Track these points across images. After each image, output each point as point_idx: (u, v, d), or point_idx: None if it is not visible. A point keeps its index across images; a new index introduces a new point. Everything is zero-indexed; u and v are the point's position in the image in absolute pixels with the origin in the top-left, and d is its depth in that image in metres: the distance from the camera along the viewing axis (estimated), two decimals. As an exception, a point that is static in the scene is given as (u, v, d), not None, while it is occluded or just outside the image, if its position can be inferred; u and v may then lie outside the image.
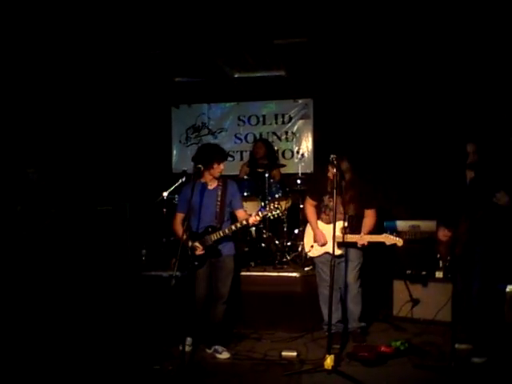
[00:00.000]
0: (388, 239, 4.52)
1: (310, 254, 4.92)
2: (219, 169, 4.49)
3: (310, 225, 4.92)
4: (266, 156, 6.62)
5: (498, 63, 5.88)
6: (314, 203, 4.90)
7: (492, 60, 5.91)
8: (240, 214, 4.60)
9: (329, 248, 4.59)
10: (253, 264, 5.75)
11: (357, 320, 4.82)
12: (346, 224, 4.60)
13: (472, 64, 6.13)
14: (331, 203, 4.69)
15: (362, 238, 4.57)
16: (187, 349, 4.37)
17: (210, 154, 4.49)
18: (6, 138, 6.34)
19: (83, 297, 5.48)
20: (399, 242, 4.51)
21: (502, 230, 4.23)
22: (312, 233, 4.88)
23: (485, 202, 4.13)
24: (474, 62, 6.08)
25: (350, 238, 4.58)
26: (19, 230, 5.33)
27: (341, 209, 4.64)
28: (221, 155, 4.52)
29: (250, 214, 4.63)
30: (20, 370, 4.09)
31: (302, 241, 6.11)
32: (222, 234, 4.40)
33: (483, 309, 4.26)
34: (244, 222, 4.36)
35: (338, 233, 4.51)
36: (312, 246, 4.85)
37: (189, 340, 4.50)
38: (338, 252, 4.53)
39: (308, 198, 4.99)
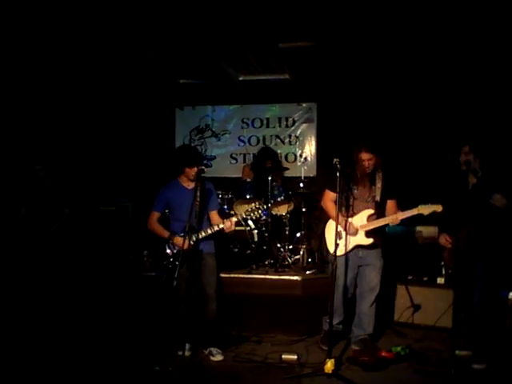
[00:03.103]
0: (425, 209, 4.31)
1: (338, 254, 4.38)
2: (193, 171, 4.46)
3: (333, 218, 4.56)
4: (272, 166, 6.60)
5: (504, 68, 5.88)
6: (335, 196, 4.53)
7: (497, 65, 5.91)
8: (213, 215, 4.63)
9: (359, 240, 4.56)
10: (254, 267, 5.75)
11: (372, 326, 4.70)
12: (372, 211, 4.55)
13: (475, 71, 6.14)
14: (356, 192, 4.63)
15: (395, 218, 4.43)
16: (186, 353, 4.36)
17: (180, 160, 4.53)
18: (14, 137, 6.39)
19: (85, 297, 5.48)
20: (438, 207, 4.26)
21: (503, 236, 4.23)
22: (334, 231, 4.46)
23: (483, 206, 4.13)
24: (478, 69, 6.09)
25: (382, 221, 4.47)
26: (25, 230, 5.33)
27: (366, 196, 4.62)
28: (190, 160, 4.49)
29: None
30: (21, 371, 4.09)
31: (304, 244, 6.17)
32: (203, 234, 4.43)
33: (484, 315, 4.26)
34: (221, 226, 4.40)
35: (365, 221, 4.55)
36: (337, 245, 4.39)
37: (187, 345, 4.45)
38: (367, 241, 4.53)
39: (328, 191, 4.72)
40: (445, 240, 4.44)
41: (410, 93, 6.83)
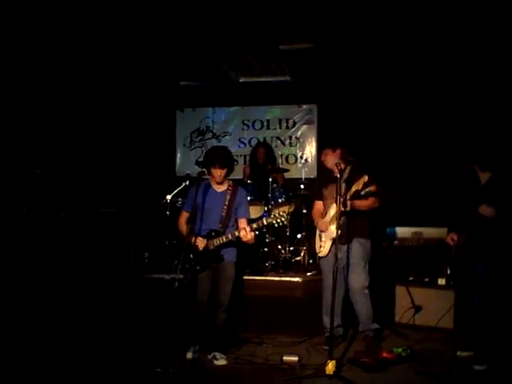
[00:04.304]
0: (355, 186, 4.41)
1: (321, 254, 4.80)
2: (216, 173, 4.36)
3: (316, 222, 4.87)
4: (267, 160, 6.62)
5: (505, 70, 5.89)
6: (321, 204, 4.87)
7: (498, 66, 5.92)
8: (242, 223, 4.47)
9: (331, 233, 4.60)
10: (255, 268, 5.73)
11: (369, 322, 4.74)
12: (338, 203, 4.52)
13: (477, 73, 6.15)
14: (326, 192, 4.75)
15: (342, 202, 4.42)
16: (191, 356, 4.33)
17: (206, 159, 4.42)
18: (13, 140, 6.40)
19: (85, 299, 5.48)
20: (363, 178, 4.37)
21: (503, 238, 4.22)
22: (317, 234, 4.87)
23: (474, 213, 4.14)
24: (480, 71, 6.10)
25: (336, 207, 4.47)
26: (25, 232, 5.33)
27: (334, 194, 4.56)
28: (213, 160, 4.33)
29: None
30: (23, 375, 4.07)
31: (305, 246, 6.19)
32: (224, 240, 4.30)
33: (485, 316, 4.25)
34: (236, 234, 4.25)
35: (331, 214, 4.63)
36: (321, 246, 4.79)
37: (195, 347, 4.40)
38: (334, 233, 4.41)
39: (315, 201, 4.99)
40: (450, 239, 4.44)
41: (411, 93, 6.83)
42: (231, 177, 4.63)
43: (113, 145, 7.56)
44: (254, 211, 6.17)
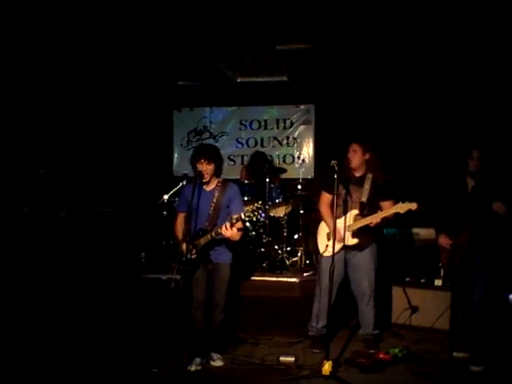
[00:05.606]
0: (401, 208, 4.33)
1: (326, 254, 4.61)
2: (202, 168, 4.21)
3: (326, 221, 4.74)
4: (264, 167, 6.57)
5: (501, 71, 5.90)
6: (330, 198, 4.63)
7: (494, 68, 5.93)
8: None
9: (345, 240, 4.58)
10: (252, 269, 5.73)
11: (371, 327, 4.75)
12: (357, 211, 4.58)
13: (474, 74, 6.16)
14: (343, 192, 4.64)
15: (375, 217, 4.44)
16: (194, 368, 4.18)
17: (192, 157, 4.32)
18: (15, 140, 6.41)
19: (82, 299, 5.47)
20: (413, 205, 4.28)
21: (503, 238, 4.24)
22: (325, 232, 4.76)
23: (484, 211, 4.14)
24: (477, 71, 6.11)
25: (364, 221, 4.50)
26: (27, 232, 5.34)
27: (354, 197, 4.63)
28: (198, 155, 4.23)
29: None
30: (19, 373, 4.07)
31: (302, 246, 6.18)
32: (209, 238, 4.18)
33: (484, 317, 4.26)
34: (219, 231, 4.09)
35: (351, 221, 4.57)
36: (327, 246, 4.64)
37: (197, 360, 4.27)
38: (353, 242, 4.55)
39: (323, 192, 4.80)
40: (445, 241, 4.44)
41: (409, 94, 6.83)
42: (229, 176, 4.61)
43: (110, 144, 7.54)
44: (252, 211, 6.16)
